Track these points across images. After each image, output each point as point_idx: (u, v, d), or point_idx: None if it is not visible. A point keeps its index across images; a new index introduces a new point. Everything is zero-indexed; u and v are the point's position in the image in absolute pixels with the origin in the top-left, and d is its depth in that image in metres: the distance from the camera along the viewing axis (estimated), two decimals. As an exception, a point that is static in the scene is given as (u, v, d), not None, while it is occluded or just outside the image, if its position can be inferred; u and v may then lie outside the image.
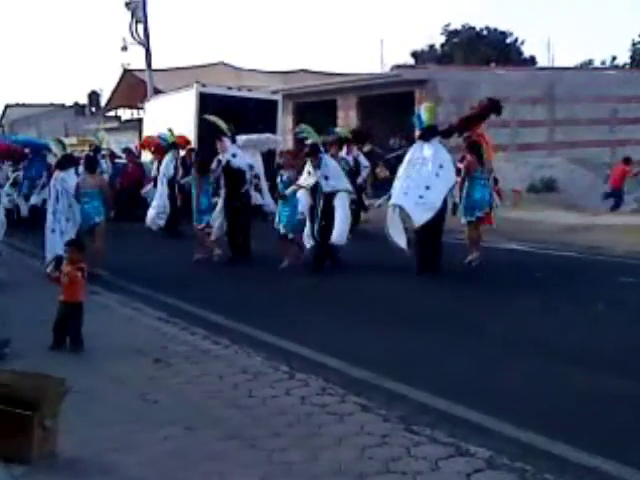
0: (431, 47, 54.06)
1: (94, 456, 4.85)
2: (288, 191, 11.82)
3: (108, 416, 5.52)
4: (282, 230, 11.90)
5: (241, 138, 13.64)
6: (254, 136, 14.57)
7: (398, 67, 28.82)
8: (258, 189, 13.41)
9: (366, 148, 24.18)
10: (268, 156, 13.47)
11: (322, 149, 12.09)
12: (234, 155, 12.91)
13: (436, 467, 4.60)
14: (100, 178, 11.98)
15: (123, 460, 4.78)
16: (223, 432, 5.19)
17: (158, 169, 16.73)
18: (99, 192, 11.63)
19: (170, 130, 17.36)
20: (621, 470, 4.50)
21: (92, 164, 12.09)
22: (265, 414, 5.54)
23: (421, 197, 10.42)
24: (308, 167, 11.74)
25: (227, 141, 13.08)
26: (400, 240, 10.35)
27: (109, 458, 4.82)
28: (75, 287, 7.32)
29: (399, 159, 12.75)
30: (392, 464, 4.64)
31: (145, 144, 19.96)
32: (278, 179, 12.35)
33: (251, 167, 13.25)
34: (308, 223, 11.66)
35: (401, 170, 11.10)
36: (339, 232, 11.33)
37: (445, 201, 10.98)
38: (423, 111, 11.50)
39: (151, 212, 15.30)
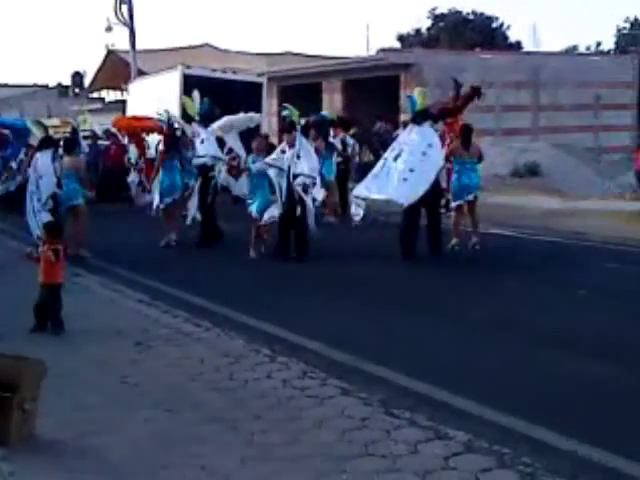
0: (417, 31, 53.89)
1: (74, 439, 4.85)
2: (256, 166, 11.48)
3: (88, 399, 5.51)
4: (254, 214, 11.49)
5: (219, 121, 13.55)
6: (233, 117, 14.46)
7: (384, 50, 28.64)
8: (233, 173, 13.15)
9: (351, 132, 24.21)
10: (250, 137, 13.36)
11: (299, 129, 11.91)
12: (202, 141, 12.80)
13: (415, 450, 4.62)
14: (77, 160, 11.85)
15: (103, 443, 4.78)
16: (204, 415, 5.19)
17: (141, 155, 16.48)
18: (76, 173, 11.56)
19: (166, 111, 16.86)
20: (600, 454, 4.53)
21: (70, 145, 11.98)
22: (246, 397, 5.54)
23: (405, 179, 10.44)
24: (283, 145, 11.60)
25: (196, 126, 13.00)
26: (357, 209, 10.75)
27: (89, 441, 4.82)
28: (52, 269, 7.28)
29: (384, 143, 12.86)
30: (372, 447, 4.66)
31: (119, 126, 19.50)
32: (249, 160, 11.85)
33: (230, 150, 13.19)
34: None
35: (387, 152, 11.16)
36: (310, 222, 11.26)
37: (438, 183, 11.06)
38: (417, 95, 11.48)
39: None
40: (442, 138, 11.87)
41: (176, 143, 13.14)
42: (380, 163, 11.03)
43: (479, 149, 12.27)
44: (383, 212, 16.03)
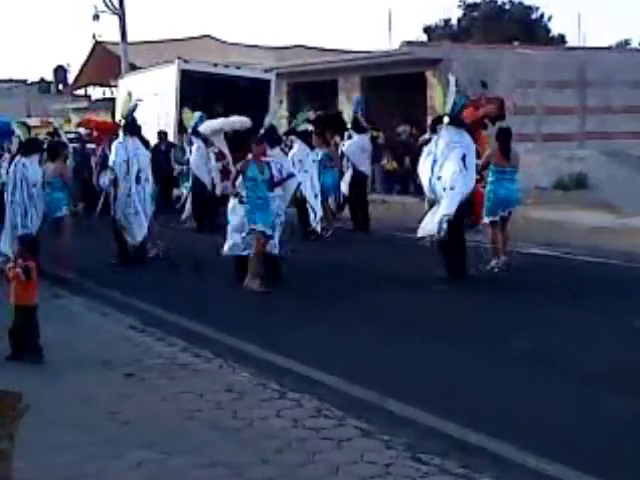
0: (446, 22, 54.08)
1: (55, 484, 4.85)
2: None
3: (72, 438, 5.52)
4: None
5: (208, 123, 14.02)
6: (216, 122, 14.87)
7: (408, 44, 28.69)
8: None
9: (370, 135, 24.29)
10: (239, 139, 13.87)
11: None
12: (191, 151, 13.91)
13: (446, 502, 4.60)
14: (62, 166, 11.90)
15: (88, 489, 4.78)
16: (204, 458, 5.19)
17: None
18: (61, 182, 11.59)
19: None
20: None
21: (54, 150, 12.05)
22: (252, 438, 5.54)
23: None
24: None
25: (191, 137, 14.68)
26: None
27: (72, 486, 4.82)
28: (24, 289, 7.30)
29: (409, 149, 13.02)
30: (396, 498, 4.65)
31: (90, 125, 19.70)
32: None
33: (221, 153, 14.45)
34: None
35: (426, 163, 11.15)
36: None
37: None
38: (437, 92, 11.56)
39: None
40: None
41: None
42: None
43: (518, 157, 12.22)
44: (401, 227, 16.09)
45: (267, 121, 12.54)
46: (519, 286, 11.12)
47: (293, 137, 14.93)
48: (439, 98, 11.40)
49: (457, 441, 5.48)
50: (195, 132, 16.00)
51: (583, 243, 14.31)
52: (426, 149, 11.41)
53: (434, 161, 11.00)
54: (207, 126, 14.37)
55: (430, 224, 10.90)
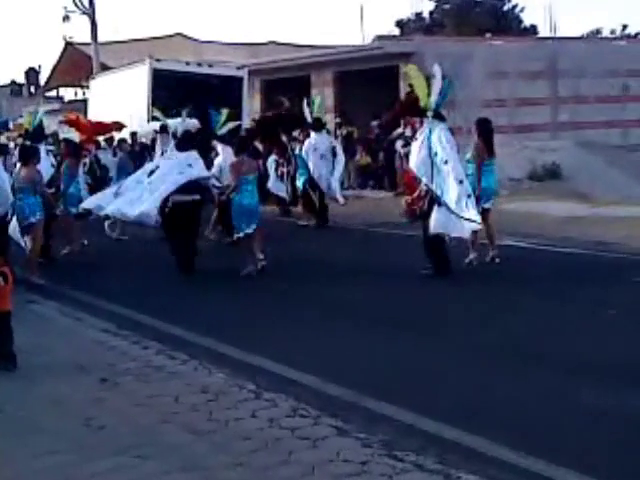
0: (418, 15, 54.15)
1: (29, 492, 4.82)
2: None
3: (46, 445, 5.49)
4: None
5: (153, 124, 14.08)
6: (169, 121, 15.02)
7: (380, 38, 28.84)
8: None
9: (345, 131, 24.35)
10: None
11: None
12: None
13: (422, 499, 4.61)
14: (33, 171, 11.73)
15: (63, 496, 4.75)
16: (178, 462, 5.16)
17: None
18: (33, 187, 11.47)
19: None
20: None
21: (26, 154, 11.89)
22: (227, 440, 5.52)
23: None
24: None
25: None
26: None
27: (46, 494, 4.79)
28: (-1, 294, 7.25)
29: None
30: (372, 496, 4.65)
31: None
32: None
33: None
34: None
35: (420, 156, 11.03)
36: None
37: None
38: (414, 76, 11.44)
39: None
40: None
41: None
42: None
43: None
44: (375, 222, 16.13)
45: (179, 128, 12.69)
46: (495, 278, 11.15)
47: (215, 142, 14.25)
48: (422, 90, 11.16)
49: (433, 437, 5.48)
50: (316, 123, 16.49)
51: (557, 233, 14.38)
52: (416, 143, 11.24)
53: (434, 154, 10.75)
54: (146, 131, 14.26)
55: (451, 223, 10.65)
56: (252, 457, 5.20)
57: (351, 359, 7.42)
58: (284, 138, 18.41)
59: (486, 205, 11.82)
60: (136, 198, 11.64)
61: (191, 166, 11.90)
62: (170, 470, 5.05)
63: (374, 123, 24.15)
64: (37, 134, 13.81)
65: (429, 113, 10.97)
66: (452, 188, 10.59)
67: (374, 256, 12.84)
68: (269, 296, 10.45)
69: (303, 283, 11.07)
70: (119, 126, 18.11)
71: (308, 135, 17.03)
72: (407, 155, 13.71)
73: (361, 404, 6.17)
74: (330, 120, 24.67)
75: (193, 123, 13.83)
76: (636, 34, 51.18)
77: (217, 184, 12.58)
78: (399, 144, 19.82)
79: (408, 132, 16.87)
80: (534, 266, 11.86)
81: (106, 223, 15.29)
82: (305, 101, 17.60)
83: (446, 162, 10.68)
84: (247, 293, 10.70)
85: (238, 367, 7.18)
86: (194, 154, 12.10)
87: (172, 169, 11.83)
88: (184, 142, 12.31)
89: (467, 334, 8.23)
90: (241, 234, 11.57)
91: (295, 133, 19.06)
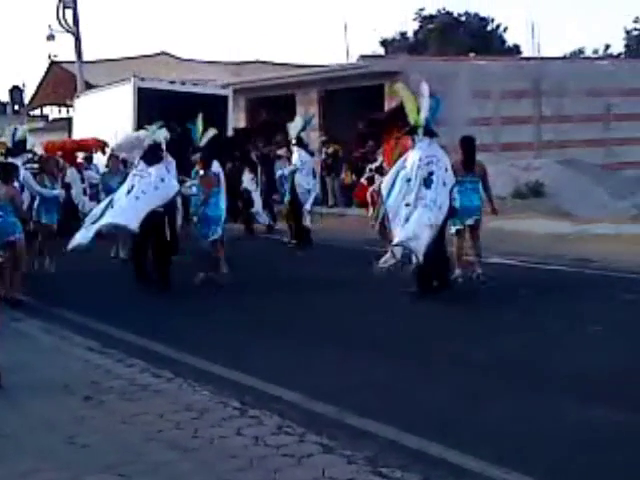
0: (403, 35, 54.53)
1: (12, 511, 4.79)
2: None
3: (30, 463, 5.46)
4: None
5: (119, 141, 14.01)
6: (131, 136, 14.97)
7: (365, 57, 28.89)
8: None
9: (330, 150, 24.43)
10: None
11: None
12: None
13: (407, 515, 4.61)
14: (13, 189, 11.69)
15: (46, 515, 4.73)
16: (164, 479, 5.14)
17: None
18: (12, 205, 11.43)
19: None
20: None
21: (6, 172, 11.85)
22: (212, 458, 5.51)
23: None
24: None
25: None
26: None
27: (30, 513, 4.77)
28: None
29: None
30: (357, 513, 4.64)
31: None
32: None
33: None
34: None
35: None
36: None
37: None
38: (405, 96, 11.46)
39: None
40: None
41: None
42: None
43: (484, 167, 12.24)
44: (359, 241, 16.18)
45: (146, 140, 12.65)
46: (480, 296, 11.20)
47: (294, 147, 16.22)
48: (411, 107, 11.15)
49: (417, 453, 5.48)
50: (299, 142, 16.80)
51: (542, 251, 14.46)
52: (394, 169, 11.28)
53: (407, 179, 10.81)
54: (119, 145, 14.07)
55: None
56: (237, 475, 5.19)
57: (335, 376, 7.43)
58: (254, 156, 18.53)
59: (468, 222, 11.86)
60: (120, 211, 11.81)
61: (163, 181, 12.12)
62: (155, 488, 5.04)
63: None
64: (17, 150, 13.76)
65: (419, 130, 11.03)
66: (402, 209, 10.78)
67: (357, 274, 12.82)
68: (253, 314, 10.44)
69: (287, 301, 11.08)
70: (102, 145, 18.16)
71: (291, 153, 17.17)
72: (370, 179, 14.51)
73: (346, 421, 6.17)
74: (315, 139, 24.81)
75: (162, 133, 13.80)
76: (618, 54, 51.65)
77: (193, 191, 12.93)
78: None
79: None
80: (519, 283, 11.89)
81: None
82: (297, 121, 17.65)
83: (409, 180, 10.80)
84: (231, 311, 10.68)
85: (223, 384, 7.17)
86: (162, 168, 12.22)
87: (148, 186, 11.97)
88: (150, 154, 12.31)
89: (451, 351, 8.24)
90: (209, 239, 12.53)
91: (281, 151, 19.16)
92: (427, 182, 10.82)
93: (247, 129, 18.41)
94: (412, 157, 10.98)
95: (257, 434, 5.90)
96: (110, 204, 12.04)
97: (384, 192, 11.13)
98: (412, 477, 5.07)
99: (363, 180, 15.61)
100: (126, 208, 11.73)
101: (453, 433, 5.83)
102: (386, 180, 11.28)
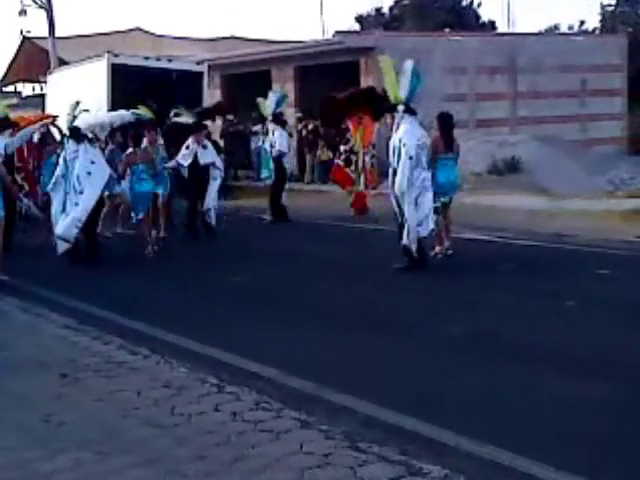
0: (378, 11, 54.23)
1: (-11, 489, 4.77)
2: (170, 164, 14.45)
3: (5, 441, 5.44)
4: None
5: (90, 119, 13.88)
6: (106, 115, 15.01)
7: (341, 33, 28.80)
8: None
9: (311, 126, 24.36)
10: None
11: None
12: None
13: (385, 489, 4.62)
14: None
15: (23, 492, 4.70)
16: (140, 456, 5.13)
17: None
18: None
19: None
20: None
21: None
22: (190, 434, 5.49)
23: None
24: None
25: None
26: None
27: (6, 490, 4.74)
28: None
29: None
30: (336, 487, 4.65)
31: None
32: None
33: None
34: None
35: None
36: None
37: None
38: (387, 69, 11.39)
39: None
40: None
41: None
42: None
43: (458, 144, 12.26)
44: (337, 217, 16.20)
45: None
46: (458, 271, 11.23)
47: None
48: (392, 83, 11.11)
49: (395, 428, 5.49)
50: (276, 118, 16.99)
51: (518, 226, 14.52)
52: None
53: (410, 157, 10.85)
54: (87, 122, 13.69)
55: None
56: (215, 450, 5.18)
57: (312, 352, 7.44)
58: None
59: (443, 199, 11.89)
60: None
61: (94, 163, 12.24)
62: (132, 465, 5.01)
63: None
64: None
65: (400, 107, 10.99)
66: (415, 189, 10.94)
67: (336, 250, 12.88)
68: (230, 290, 10.43)
69: (264, 277, 11.05)
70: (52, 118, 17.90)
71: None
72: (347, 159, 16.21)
73: (323, 396, 6.17)
74: (291, 115, 24.70)
75: (128, 116, 13.74)
76: (593, 30, 51.67)
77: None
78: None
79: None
80: (496, 259, 11.95)
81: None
82: (270, 96, 17.54)
83: (410, 158, 10.83)
84: (209, 287, 10.68)
85: (200, 361, 7.15)
86: (91, 148, 12.39)
87: (82, 170, 12.10)
88: (76, 132, 12.35)
89: (428, 327, 8.28)
90: (140, 216, 13.08)
91: (257, 127, 19.04)
92: (427, 163, 11.09)
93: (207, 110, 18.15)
94: (408, 134, 10.95)
95: (235, 410, 5.89)
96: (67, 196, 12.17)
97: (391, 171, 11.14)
98: (389, 451, 5.08)
99: (339, 161, 16.09)
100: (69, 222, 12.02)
101: (430, 407, 5.85)
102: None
